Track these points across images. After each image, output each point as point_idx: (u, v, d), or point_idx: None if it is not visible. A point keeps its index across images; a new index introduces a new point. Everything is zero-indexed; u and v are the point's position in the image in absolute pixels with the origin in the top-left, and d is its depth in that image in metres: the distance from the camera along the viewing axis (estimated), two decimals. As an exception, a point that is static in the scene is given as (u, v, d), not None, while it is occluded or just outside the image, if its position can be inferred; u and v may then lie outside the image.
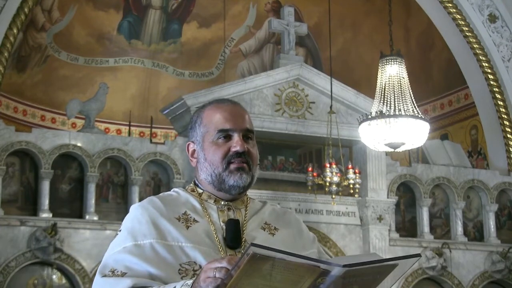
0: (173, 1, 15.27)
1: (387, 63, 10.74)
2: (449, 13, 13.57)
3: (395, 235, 12.44)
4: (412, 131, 10.40)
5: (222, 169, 2.59)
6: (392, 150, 10.72)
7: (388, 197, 12.39)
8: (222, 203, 2.65)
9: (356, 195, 11.56)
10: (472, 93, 13.99)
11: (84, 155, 11.06)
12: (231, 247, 2.56)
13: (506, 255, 12.73)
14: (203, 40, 15.41)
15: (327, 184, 11.14)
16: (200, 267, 2.46)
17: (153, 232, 2.53)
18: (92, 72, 14.65)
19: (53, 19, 14.07)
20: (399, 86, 10.58)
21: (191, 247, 2.51)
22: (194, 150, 2.68)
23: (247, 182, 2.61)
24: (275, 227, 2.68)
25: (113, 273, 2.46)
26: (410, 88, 10.68)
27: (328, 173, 11.11)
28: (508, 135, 13.44)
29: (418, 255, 2.29)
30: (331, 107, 11.67)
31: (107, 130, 14.45)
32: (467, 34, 13.54)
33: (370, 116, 10.50)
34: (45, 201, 10.77)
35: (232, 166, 2.59)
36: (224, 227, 2.59)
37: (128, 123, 14.07)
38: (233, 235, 2.57)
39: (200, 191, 2.68)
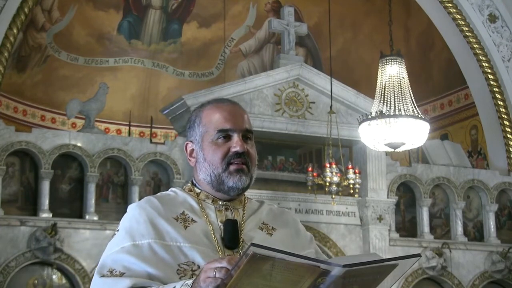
0: (173, 1, 15.27)
1: (387, 63, 10.74)
2: (449, 13, 13.57)
3: (395, 235, 12.44)
4: (412, 131, 10.40)
5: (221, 169, 2.58)
6: (392, 150, 10.72)
7: (388, 197, 12.39)
8: (220, 203, 2.64)
9: (356, 195, 11.56)
10: (472, 93, 13.99)
11: (84, 155, 11.06)
12: (229, 247, 2.55)
13: (506, 255, 12.73)
14: (203, 40, 15.41)
15: (327, 184, 11.14)
16: (199, 267, 2.46)
17: (151, 232, 2.52)
18: (92, 72, 14.65)
19: (53, 19, 14.07)
20: (399, 86, 10.58)
21: (189, 247, 2.50)
22: (192, 150, 2.67)
23: (246, 183, 2.60)
24: (272, 227, 2.68)
25: (112, 273, 2.45)
26: (410, 88, 10.68)
27: (328, 173, 11.10)
28: (508, 135, 13.44)
29: (418, 255, 2.29)
30: (331, 107, 11.66)
31: (107, 130, 14.45)
32: (467, 34, 13.54)
33: (370, 116, 10.49)
34: (45, 201, 10.77)
35: (232, 168, 2.58)
36: (222, 227, 2.59)
37: (128, 123, 14.07)
38: (231, 235, 2.57)
39: (198, 191, 2.67)
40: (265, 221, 2.69)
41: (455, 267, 12.58)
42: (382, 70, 10.75)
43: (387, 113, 10.38)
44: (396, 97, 10.50)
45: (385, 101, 10.51)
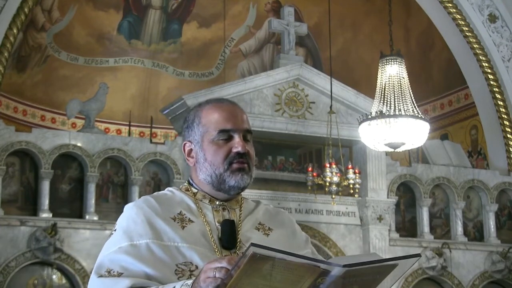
0: (173, 1, 15.27)
1: (387, 63, 10.74)
2: (449, 13, 13.57)
3: (395, 235, 12.44)
4: (412, 131, 10.40)
5: (223, 169, 2.58)
6: (392, 150, 10.72)
7: (388, 197, 12.39)
8: (217, 203, 2.64)
9: (356, 195, 11.55)
10: (472, 93, 13.99)
11: (84, 155, 11.06)
12: (226, 247, 2.55)
13: (506, 255, 12.73)
14: (203, 40, 15.41)
15: (327, 184, 11.14)
16: (197, 267, 2.46)
17: (149, 232, 2.51)
18: (92, 72, 14.65)
19: (53, 19, 14.07)
20: (399, 86, 10.58)
21: (187, 247, 2.49)
22: (191, 150, 2.65)
23: (247, 182, 2.60)
24: (269, 228, 2.67)
25: (109, 273, 2.45)
26: (410, 88, 10.68)
27: (328, 173, 11.10)
28: (508, 135, 13.44)
29: (418, 255, 2.29)
30: (331, 107, 11.66)
31: (107, 130, 14.45)
32: (467, 34, 13.54)
33: (370, 116, 10.49)
34: (45, 201, 10.78)
35: (234, 167, 2.58)
36: (219, 227, 2.58)
37: (128, 123, 14.07)
38: (229, 236, 2.57)
39: (195, 190, 2.66)
40: (261, 221, 2.68)
41: (455, 267, 12.58)
42: (382, 70, 10.75)
43: (387, 113, 10.38)
44: (396, 97, 10.50)
45: (385, 101, 10.51)
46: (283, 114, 12.15)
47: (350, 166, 11.35)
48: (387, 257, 2.27)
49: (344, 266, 2.14)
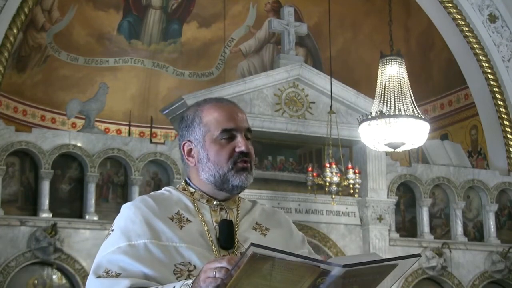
0: (173, 1, 15.27)
1: (387, 63, 10.74)
2: (449, 13, 13.57)
3: (395, 235, 12.44)
4: (412, 131, 10.40)
5: (227, 169, 2.57)
6: (392, 150, 10.72)
7: (388, 197, 12.39)
8: (215, 202, 2.64)
9: (356, 195, 11.55)
10: (472, 93, 13.99)
11: (84, 155, 11.06)
12: (224, 247, 2.55)
13: (506, 255, 12.73)
14: (203, 40, 15.41)
15: (327, 184, 11.14)
16: (195, 267, 2.45)
17: (147, 232, 2.51)
18: (92, 72, 14.65)
19: (53, 19, 14.07)
20: (399, 86, 10.58)
21: (185, 247, 2.49)
22: (190, 149, 2.64)
23: (250, 181, 2.61)
24: (266, 227, 2.67)
25: (108, 274, 2.44)
26: (410, 88, 10.68)
27: (328, 173, 11.10)
28: (508, 135, 13.44)
29: (418, 255, 2.29)
30: (331, 107, 11.66)
31: (107, 130, 14.45)
32: (467, 34, 13.54)
33: (370, 116, 10.49)
34: (45, 201, 10.77)
35: (239, 166, 2.58)
36: (217, 227, 2.58)
37: (128, 123, 14.08)
38: (227, 236, 2.56)
39: (192, 190, 2.65)
40: (258, 221, 2.68)
41: (455, 267, 12.58)
42: (382, 70, 10.75)
43: (387, 113, 10.38)
44: (396, 97, 10.50)
45: (385, 101, 10.51)
46: (283, 114, 12.15)
47: (350, 166, 11.35)
48: (387, 257, 2.28)
49: (344, 266, 2.14)
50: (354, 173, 11.21)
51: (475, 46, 13.52)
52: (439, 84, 14.99)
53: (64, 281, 10.88)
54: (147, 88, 15.21)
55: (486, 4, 13.58)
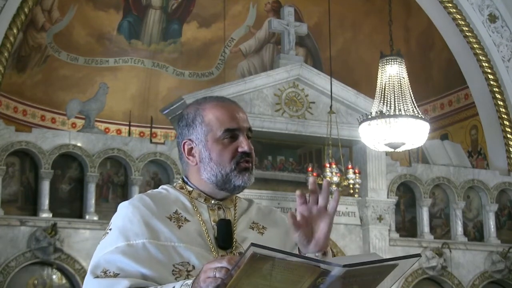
0: (173, 1, 15.27)
1: (387, 63, 10.74)
2: (449, 13, 13.57)
3: (395, 235, 12.44)
4: (412, 131, 10.40)
5: (230, 169, 2.57)
6: (392, 150, 10.72)
7: (388, 197, 12.39)
8: (213, 202, 2.63)
9: (356, 195, 11.56)
10: (472, 93, 13.99)
11: (84, 155, 11.06)
12: (222, 247, 2.54)
13: (506, 255, 12.73)
14: (203, 40, 15.41)
15: (327, 183, 11.12)
16: (194, 267, 2.45)
17: (146, 232, 2.49)
18: (92, 72, 14.65)
19: (53, 19, 14.06)
20: (399, 86, 10.58)
21: (184, 247, 2.48)
22: (191, 148, 2.63)
23: (252, 181, 2.60)
24: (263, 226, 2.67)
25: (105, 274, 2.43)
26: (410, 88, 10.68)
27: (328, 173, 11.10)
28: (508, 135, 13.44)
29: (418, 255, 2.29)
30: (331, 107, 11.67)
31: (107, 130, 14.45)
32: (467, 34, 13.54)
33: (370, 116, 10.49)
34: (45, 201, 10.77)
35: (241, 167, 2.57)
36: (215, 226, 2.57)
37: (128, 123, 14.07)
38: (225, 235, 2.56)
39: (190, 188, 2.64)
40: (255, 220, 2.67)
41: (455, 267, 12.58)
42: (382, 70, 10.75)
43: (387, 113, 10.38)
44: (396, 97, 10.50)
45: (385, 101, 10.51)
46: (283, 114, 12.15)
47: (350, 166, 11.35)
48: (387, 257, 2.27)
49: (344, 266, 2.14)
50: (354, 173, 11.21)
51: (475, 46, 13.52)
52: (439, 84, 14.99)
53: (64, 281, 10.88)
54: (147, 88, 15.21)
55: (486, 4, 13.58)
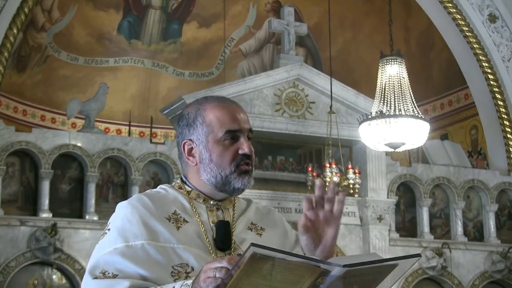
0: (173, 1, 15.26)
1: (387, 63, 10.74)
2: (449, 13, 13.57)
3: (395, 235, 12.44)
4: (412, 131, 10.40)
5: (230, 171, 2.55)
6: (392, 150, 10.72)
7: (388, 197, 12.39)
8: (212, 202, 2.61)
9: (356, 195, 11.56)
10: (472, 93, 13.99)
11: (84, 155, 11.06)
12: (221, 248, 2.53)
13: (506, 255, 12.72)
14: (203, 40, 15.41)
15: (327, 184, 11.13)
16: (193, 269, 2.44)
17: (144, 233, 2.48)
18: (92, 72, 14.65)
19: (53, 19, 14.06)
20: (399, 86, 10.58)
21: (183, 248, 2.47)
22: (191, 149, 2.61)
23: (252, 184, 2.59)
24: (261, 227, 2.65)
25: (104, 275, 2.42)
26: (410, 88, 10.68)
27: (328, 173, 11.10)
28: (508, 135, 13.44)
29: (418, 255, 2.29)
30: (331, 107, 11.66)
31: (107, 130, 14.44)
32: (467, 34, 13.54)
33: (370, 116, 10.49)
34: (45, 201, 10.77)
35: (241, 169, 2.55)
36: (213, 228, 2.56)
37: (128, 123, 14.07)
38: (223, 237, 2.54)
39: (189, 189, 2.62)
40: (253, 221, 2.66)
41: (455, 267, 12.58)
42: (382, 70, 10.75)
43: (387, 113, 10.38)
44: (396, 97, 10.50)
45: (385, 101, 10.51)
46: (283, 114, 12.15)
47: (350, 166, 11.35)
48: (387, 257, 2.27)
49: (344, 266, 2.14)
50: (354, 173, 11.21)
51: (475, 46, 13.52)
52: (439, 84, 14.99)
53: (64, 281, 10.88)
54: (147, 88, 15.21)
55: (486, 4, 13.58)
